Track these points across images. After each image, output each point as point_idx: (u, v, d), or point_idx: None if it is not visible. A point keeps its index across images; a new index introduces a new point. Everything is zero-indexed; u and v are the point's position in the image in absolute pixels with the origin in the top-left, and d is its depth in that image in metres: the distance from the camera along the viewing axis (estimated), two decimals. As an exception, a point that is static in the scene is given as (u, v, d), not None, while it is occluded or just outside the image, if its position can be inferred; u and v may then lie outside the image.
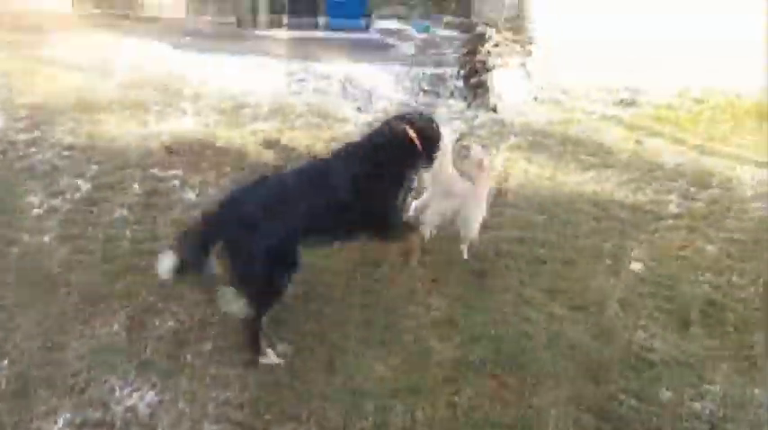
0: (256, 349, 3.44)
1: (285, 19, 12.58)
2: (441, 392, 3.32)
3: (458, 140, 4.73)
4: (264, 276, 3.32)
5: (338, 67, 9.76)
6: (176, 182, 5.37)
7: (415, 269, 4.38)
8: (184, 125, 6.75)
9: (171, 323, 3.74)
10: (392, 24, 12.97)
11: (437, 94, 9.10)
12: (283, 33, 12.18)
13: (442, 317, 3.91)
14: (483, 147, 4.46)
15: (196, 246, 3.37)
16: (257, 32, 12.02)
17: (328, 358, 3.47)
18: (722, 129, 7.40)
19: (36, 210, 4.86)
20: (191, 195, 5.20)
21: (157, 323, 3.72)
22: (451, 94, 9.00)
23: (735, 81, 8.71)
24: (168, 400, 3.21)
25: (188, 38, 11.70)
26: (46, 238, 4.53)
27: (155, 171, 5.53)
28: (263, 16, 12.17)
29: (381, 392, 3.28)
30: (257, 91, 8.30)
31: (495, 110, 8.05)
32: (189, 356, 3.48)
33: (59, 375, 3.35)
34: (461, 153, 4.54)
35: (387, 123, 3.97)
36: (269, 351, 3.44)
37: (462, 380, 3.39)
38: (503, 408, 3.23)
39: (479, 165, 4.30)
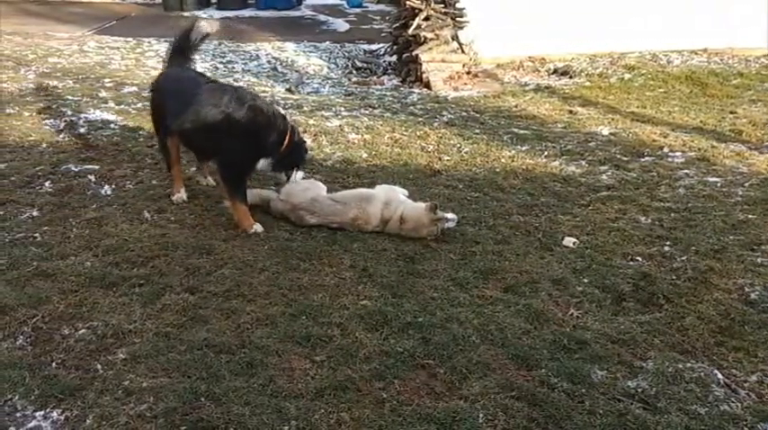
0: None
1: (213, -2, 12.20)
2: (368, 388, 3.17)
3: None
4: None
5: (268, 47, 9.47)
6: (92, 177, 5.08)
7: (345, 259, 4.23)
8: (104, 116, 6.43)
9: (82, 331, 3.49)
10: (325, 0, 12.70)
11: (371, 71, 8.91)
12: (211, 13, 11.82)
13: (372, 307, 3.75)
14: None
15: None
16: (184, 14, 11.63)
17: (248, 359, 3.28)
18: (653, 95, 7.40)
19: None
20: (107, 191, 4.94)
21: (67, 332, 3.48)
22: (385, 71, 8.84)
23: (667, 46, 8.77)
24: (75, 417, 2.98)
25: (114, 22, 11.27)
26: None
27: (69, 166, 5.23)
28: (189, -4, 11.77)
29: (305, 393, 3.11)
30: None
31: (428, 86, 7.90)
32: (99, 367, 3.25)
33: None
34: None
35: None
36: None
37: (390, 374, 3.24)
38: (432, 401, 3.10)
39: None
